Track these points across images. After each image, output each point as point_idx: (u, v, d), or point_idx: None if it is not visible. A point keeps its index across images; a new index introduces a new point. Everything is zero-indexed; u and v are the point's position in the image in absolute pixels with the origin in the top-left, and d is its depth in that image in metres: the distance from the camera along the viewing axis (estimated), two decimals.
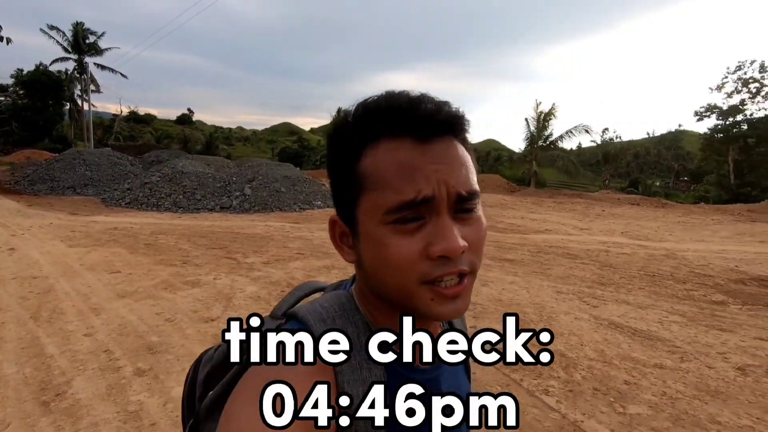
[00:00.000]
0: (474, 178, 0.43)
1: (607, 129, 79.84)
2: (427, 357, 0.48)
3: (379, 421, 0.42)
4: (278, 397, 0.37)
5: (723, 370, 2.96)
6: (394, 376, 0.45)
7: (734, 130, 21.38)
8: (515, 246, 7.40)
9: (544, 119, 19.99)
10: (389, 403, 0.43)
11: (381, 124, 0.41)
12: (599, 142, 73.23)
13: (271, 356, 0.41)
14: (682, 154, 60.43)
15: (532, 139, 20.23)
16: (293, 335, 0.43)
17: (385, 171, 0.40)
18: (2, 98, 33.15)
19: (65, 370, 2.65)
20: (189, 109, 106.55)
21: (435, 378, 0.49)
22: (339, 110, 0.46)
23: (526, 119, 20.09)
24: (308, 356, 0.41)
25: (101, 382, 2.50)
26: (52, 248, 6.19)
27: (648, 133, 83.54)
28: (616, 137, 72.91)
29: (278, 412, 0.36)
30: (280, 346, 0.42)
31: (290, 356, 0.41)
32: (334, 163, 0.45)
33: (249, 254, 6.13)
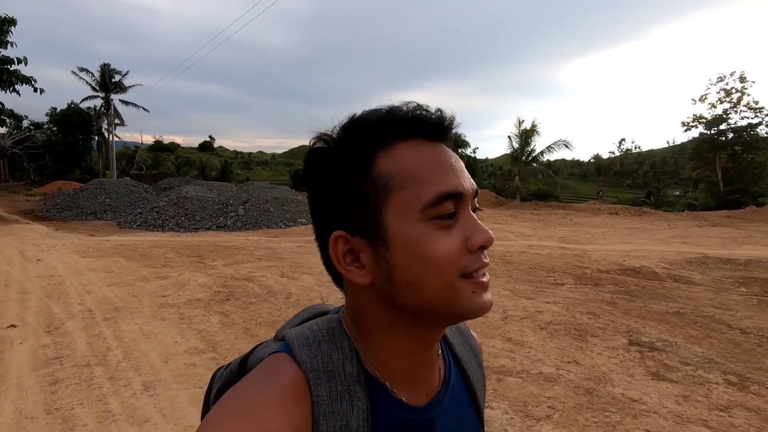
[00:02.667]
0: None
1: (623, 140, 79.20)
2: (422, 394, 0.47)
3: None
4: (254, 417, 0.37)
5: (518, 323, 4.41)
6: (379, 413, 0.43)
7: (720, 138, 22.14)
8: None
9: (526, 135, 21.38)
10: None
11: (392, 129, 0.42)
12: (616, 153, 72.87)
13: (251, 378, 0.41)
14: None
15: (514, 155, 21.60)
16: (277, 359, 0.43)
17: (414, 167, 0.41)
18: (38, 134, 37.10)
19: (63, 319, 4.39)
20: (210, 136, 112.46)
21: (428, 420, 0.46)
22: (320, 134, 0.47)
23: (509, 136, 21.56)
24: (285, 381, 0.40)
25: (81, 324, 4.23)
26: (69, 259, 8.11)
27: (668, 142, 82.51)
28: (635, 147, 72.16)
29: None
30: (261, 368, 0.42)
31: (266, 379, 0.41)
32: (333, 177, 0.43)
33: (216, 259, 7.87)
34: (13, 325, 4.22)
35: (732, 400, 2.72)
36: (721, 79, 22.07)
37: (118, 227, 14.73)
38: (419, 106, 0.44)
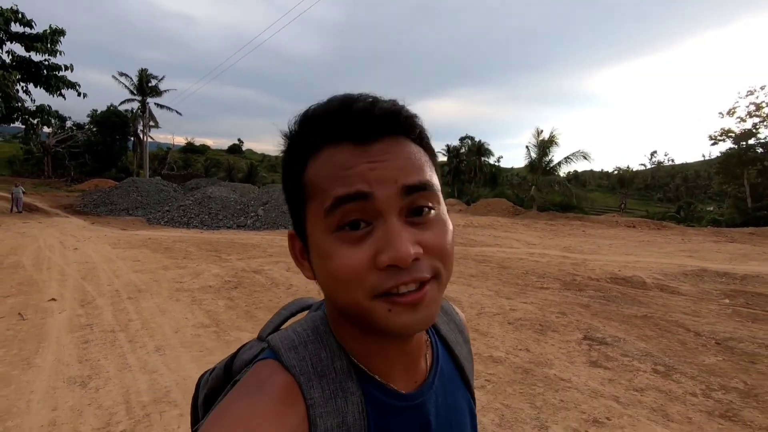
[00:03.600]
0: (428, 171, 0.41)
1: (655, 152, 77.01)
2: (410, 381, 0.47)
3: None
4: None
5: (490, 318, 4.87)
6: (373, 405, 0.43)
7: (749, 153, 21.61)
8: None
9: (544, 146, 21.51)
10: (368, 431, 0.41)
11: (320, 132, 0.40)
12: (648, 165, 70.99)
13: (241, 389, 0.40)
14: None
15: (532, 165, 21.76)
16: (264, 366, 0.42)
17: (323, 176, 0.39)
18: (80, 134, 39.71)
19: (94, 296, 5.14)
20: (239, 139, 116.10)
21: (421, 403, 0.46)
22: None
23: (527, 146, 21.75)
24: (277, 389, 0.39)
25: (109, 300, 4.96)
26: (102, 249, 9.03)
27: (703, 156, 79.62)
28: (668, 160, 70.11)
29: None
30: (250, 377, 0.42)
31: (256, 389, 0.40)
32: (284, 178, 0.44)
33: (232, 254, 8.60)
34: (54, 299, 4.99)
35: (650, 384, 3.11)
36: (751, 92, 21.59)
37: (147, 223, 15.86)
38: (351, 98, 0.40)
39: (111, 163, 39.29)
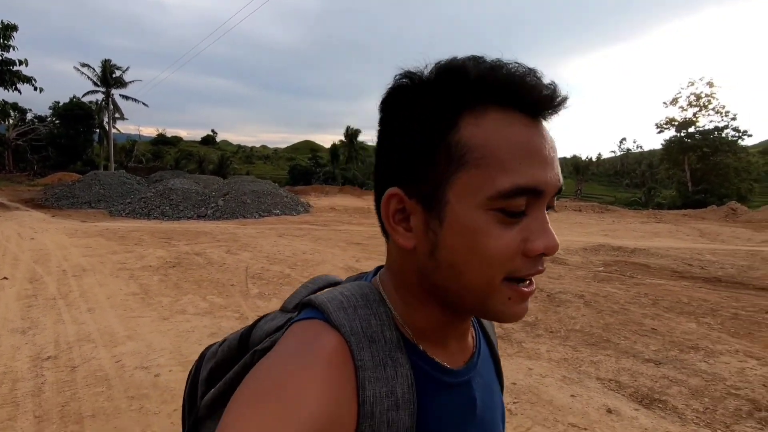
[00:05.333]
0: None
1: (624, 139, 79.70)
2: (459, 358, 0.47)
3: (403, 430, 0.39)
4: (286, 406, 0.34)
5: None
6: (421, 378, 0.42)
7: (688, 141, 23.31)
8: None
9: None
10: (416, 405, 0.40)
11: (491, 91, 0.38)
12: (618, 152, 73.52)
13: (282, 350, 0.38)
14: None
15: None
16: (309, 326, 0.41)
17: (498, 147, 0.37)
18: (42, 127, 39.10)
19: (42, 275, 5.97)
20: (212, 130, 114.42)
21: (468, 380, 0.46)
22: (408, 72, 0.42)
23: None
24: (326, 350, 0.38)
25: (55, 278, 5.81)
26: (58, 238, 9.72)
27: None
28: (637, 147, 72.84)
29: (285, 426, 0.33)
30: (291, 338, 0.40)
31: (303, 351, 0.38)
32: (406, 127, 0.40)
33: (181, 241, 9.43)
34: (6, 278, 5.79)
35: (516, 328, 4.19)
36: (691, 83, 23.22)
37: (109, 215, 16.38)
38: (531, 71, 0.38)
39: (76, 157, 38.89)
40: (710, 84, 22.20)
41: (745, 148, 24.38)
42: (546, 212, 0.40)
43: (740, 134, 21.79)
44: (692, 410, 2.61)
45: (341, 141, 52.01)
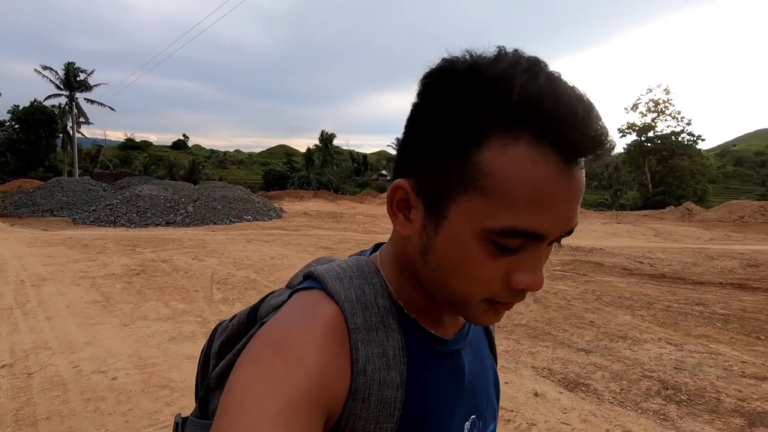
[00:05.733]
0: None
1: None
2: (450, 330, 0.49)
3: (394, 388, 0.41)
4: (287, 363, 0.37)
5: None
6: (412, 345, 0.44)
7: (648, 145, 24.51)
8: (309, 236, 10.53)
9: None
10: (407, 371, 0.42)
11: (529, 122, 0.35)
12: None
13: (284, 316, 0.41)
14: None
15: None
16: (308, 295, 0.44)
17: (513, 185, 0.35)
18: None
19: (1, 286, 5.89)
20: (184, 135, 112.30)
21: (458, 350, 0.48)
22: (462, 56, 0.38)
23: None
24: (322, 316, 0.41)
25: (13, 287, 5.74)
26: (16, 248, 9.47)
27: None
28: None
29: (286, 380, 0.36)
30: (293, 306, 0.43)
31: (302, 317, 0.41)
32: (436, 127, 0.39)
33: (147, 248, 9.35)
34: None
35: None
36: (650, 90, 24.45)
37: (72, 223, 15.94)
38: (584, 108, 0.35)
39: (37, 162, 37.42)
40: (667, 91, 23.53)
41: (700, 151, 25.81)
42: (549, 246, 0.39)
43: (695, 138, 23.16)
44: (610, 391, 2.91)
45: (316, 145, 51.95)
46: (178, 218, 15.63)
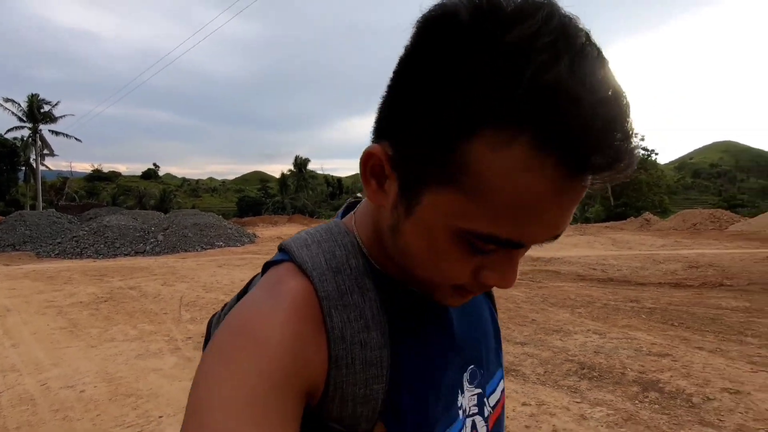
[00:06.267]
0: None
1: None
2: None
3: (377, 348, 0.39)
4: (252, 349, 0.35)
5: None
6: (391, 300, 0.42)
7: None
8: None
9: None
10: (387, 325, 0.40)
11: (540, 121, 0.28)
12: None
13: (252, 295, 0.40)
14: None
15: None
16: (276, 269, 0.42)
17: (500, 192, 0.31)
18: None
19: None
20: (154, 164, 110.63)
21: (440, 305, 0.45)
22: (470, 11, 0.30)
23: None
24: (290, 289, 0.39)
25: None
26: None
27: None
28: None
29: (251, 368, 0.34)
30: (261, 282, 0.41)
31: (268, 295, 0.39)
32: (424, 93, 0.32)
33: (115, 277, 9.39)
34: None
35: None
36: None
37: (36, 257, 15.60)
38: (614, 119, 0.28)
39: None
40: None
41: (656, 164, 27.45)
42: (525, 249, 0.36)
43: (649, 152, 24.72)
44: (536, 374, 3.32)
45: (291, 170, 52.24)
46: (147, 247, 15.54)
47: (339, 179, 70.28)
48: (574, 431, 2.45)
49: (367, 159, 0.39)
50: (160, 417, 2.92)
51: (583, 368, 3.35)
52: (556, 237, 0.35)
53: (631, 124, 0.30)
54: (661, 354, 3.50)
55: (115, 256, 14.96)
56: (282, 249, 0.44)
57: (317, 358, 0.37)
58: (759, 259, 9.19)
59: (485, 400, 0.50)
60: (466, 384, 0.47)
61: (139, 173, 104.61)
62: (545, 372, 3.34)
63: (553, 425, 2.51)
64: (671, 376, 3.07)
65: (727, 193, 66.68)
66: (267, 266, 0.44)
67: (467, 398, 0.47)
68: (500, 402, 0.53)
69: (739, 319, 4.40)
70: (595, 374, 3.22)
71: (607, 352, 3.65)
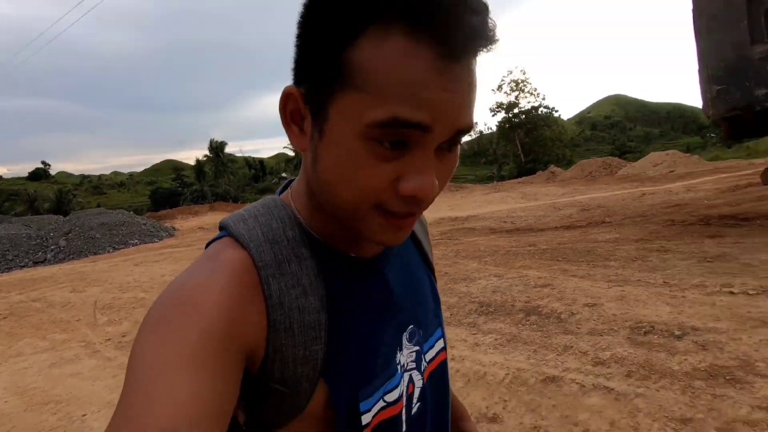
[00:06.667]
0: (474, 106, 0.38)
1: (476, 123, 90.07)
2: (368, 251, 0.48)
3: (315, 312, 0.41)
4: (189, 313, 0.35)
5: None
6: (329, 269, 0.44)
7: (516, 120, 27.91)
8: None
9: None
10: (326, 294, 0.42)
11: (406, 12, 0.33)
12: (473, 135, 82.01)
13: (190, 267, 0.41)
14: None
15: None
16: (215, 244, 0.43)
17: (388, 76, 0.34)
18: None
19: None
20: (43, 162, 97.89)
21: (379, 268, 0.49)
22: None
23: None
24: (227, 260, 0.40)
25: None
26: None
27: None
28: (488, 129, 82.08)
29: (189, 329, 0.35)
30: (201, 256, 0.42)
31: (205, 266, 0.40)
32: (316, 26, 0.38)
33: (12, 291, 8.54)
34: None
35: None
36: (510, 72, 27.79)
37: None
38: (470, 3, 0.34)
39: None
40: (523, 72, 27.12)
41: (558, 120, 30.06)
42: (450, 150, 0.39)
43: (550, 110, 27.16)
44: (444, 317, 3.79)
45: (206, 156, 49.22)
46: (48, 255, 14.12)
47: (261, 161, 67.71)
48: (468, 356, 2.92)
49: (285, 103, 0.41)
50: (84, 415, 2.93)
51: (482, 306, 3.88)
52: (462, 131, 0.38)
53: (481, 4, 0.35)
54: (544, 285, 4.15)
55: (9, 269, 13.42)
56: (221, 226, 0.46)
57: (256, 321, 0.39)
58: (636, 197, 10.76)
59: (423, 356, 0.53)
60: (405, 342, 0.50)
61: (26, 174, 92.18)
62: (451, 315, 3.82)
63: (452, 355, 2.96)
64: (549, 301, 3.69)
65: (618, 141, 75.00)
66: (208, 244, 0.45)
67: (406, 355, 0.50)
68: (438, 357, 0.56)
69: (608, 249, 5.27)
70: (491, 310, 3.76)
71: (503, 290, 4.23)
